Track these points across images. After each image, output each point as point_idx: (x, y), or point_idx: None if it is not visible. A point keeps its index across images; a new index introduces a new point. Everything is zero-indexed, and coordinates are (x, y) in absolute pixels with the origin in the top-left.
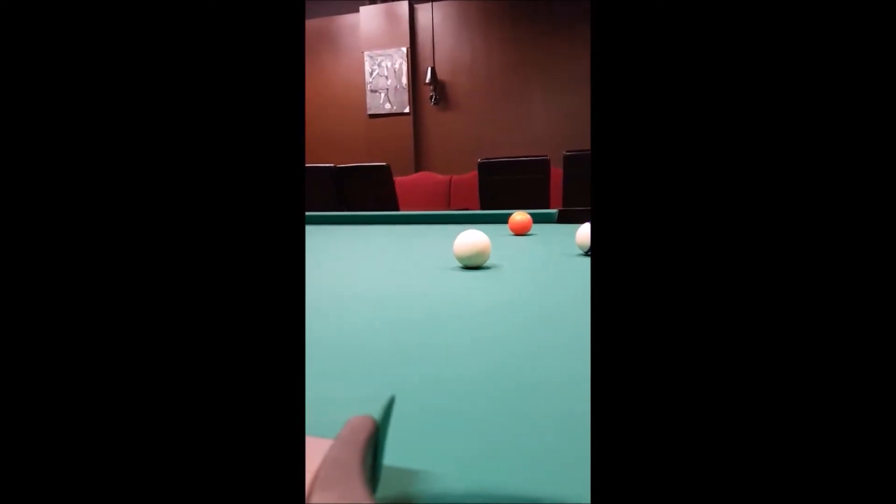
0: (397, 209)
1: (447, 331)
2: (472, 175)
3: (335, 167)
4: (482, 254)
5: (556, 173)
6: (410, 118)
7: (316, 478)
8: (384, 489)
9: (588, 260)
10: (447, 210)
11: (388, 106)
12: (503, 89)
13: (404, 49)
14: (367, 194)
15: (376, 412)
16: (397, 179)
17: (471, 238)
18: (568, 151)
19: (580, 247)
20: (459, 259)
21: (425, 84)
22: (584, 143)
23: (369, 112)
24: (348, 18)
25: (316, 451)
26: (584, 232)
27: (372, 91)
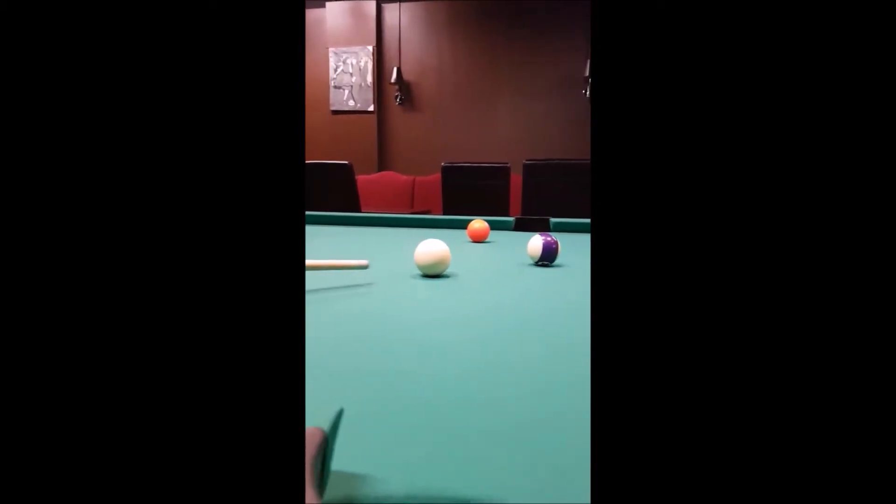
0: (359, 209)
1: (406, 338)
2: (436, 177)
3: None
4: (442, 263)
5: (516, 179)
6: (374, 117)
7: None
8: (332, 492)
9: (540, 270)
10: (410, 211)
11: (351, 103)
12: (468, 93)
13: (370, 47)
14: (328, 193)
15: (326, 423)
16: (360, 178)
17: (431, 248)
18: (528, 160)
19: (531, 257)
20: (420, 268)
21: (391, 84)
22: (545, 151)
23: (332, 108)
24: (314, 13)
25: None
26: (534, 244)
27: (336, 87)
